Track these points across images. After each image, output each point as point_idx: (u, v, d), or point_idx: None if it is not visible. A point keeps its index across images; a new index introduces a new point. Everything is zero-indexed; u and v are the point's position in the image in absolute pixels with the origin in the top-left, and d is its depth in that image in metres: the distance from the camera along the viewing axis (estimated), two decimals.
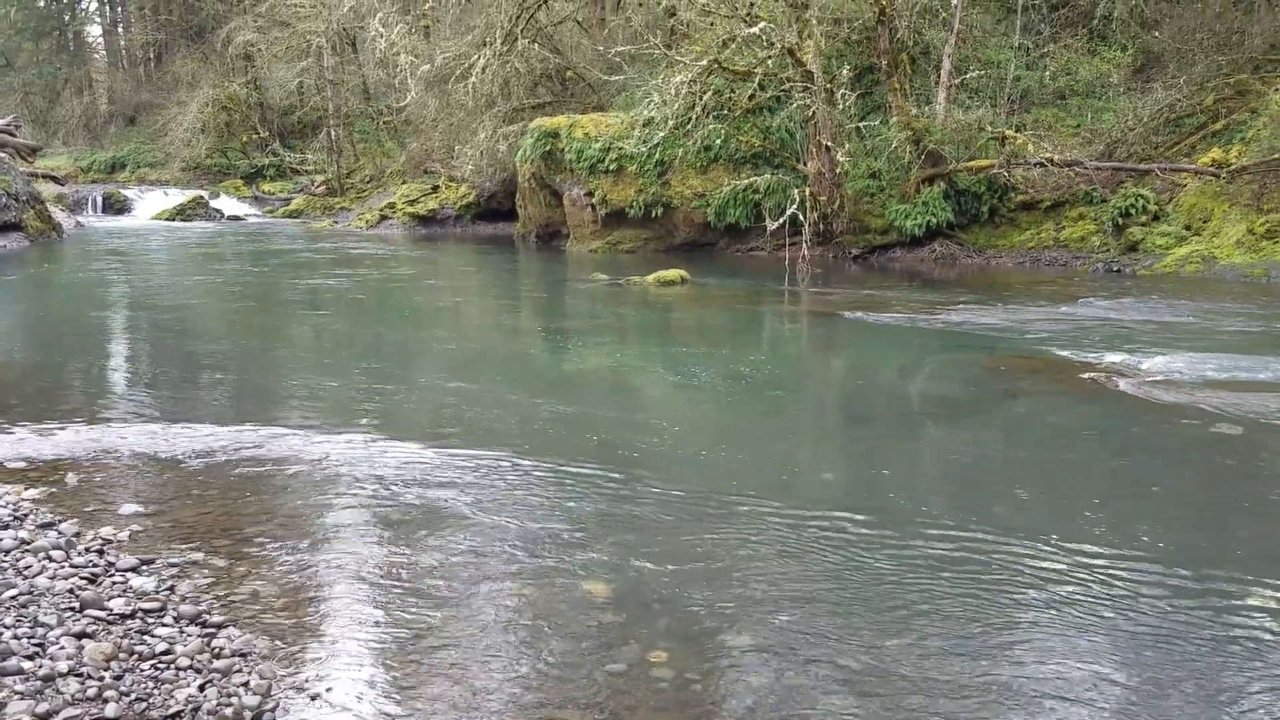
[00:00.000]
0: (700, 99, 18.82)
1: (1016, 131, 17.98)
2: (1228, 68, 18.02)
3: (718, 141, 19.15)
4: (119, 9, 48.10)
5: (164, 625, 4.08)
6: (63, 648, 3.77)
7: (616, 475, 6.10)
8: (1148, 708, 3.61)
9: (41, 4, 46.16)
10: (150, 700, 3.53)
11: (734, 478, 6.14)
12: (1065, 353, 9.77)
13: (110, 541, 4.95)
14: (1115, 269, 16.32)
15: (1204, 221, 16.41)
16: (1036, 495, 5.84)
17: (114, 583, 4.45)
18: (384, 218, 27.96)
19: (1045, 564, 4.80)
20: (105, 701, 3.48)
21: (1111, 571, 4.71)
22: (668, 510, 5.55)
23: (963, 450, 7.02)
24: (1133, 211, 16.81)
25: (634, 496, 5.74)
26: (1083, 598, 4.45)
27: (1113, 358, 9.39)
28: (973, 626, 4.20)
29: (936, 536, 5.12)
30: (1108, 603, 4.39)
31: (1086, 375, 8.79)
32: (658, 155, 19.47)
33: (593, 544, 5.05)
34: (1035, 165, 17.53)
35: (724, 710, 3.64)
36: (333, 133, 35.08)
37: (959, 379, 9.09)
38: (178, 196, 32.94)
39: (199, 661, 3.80)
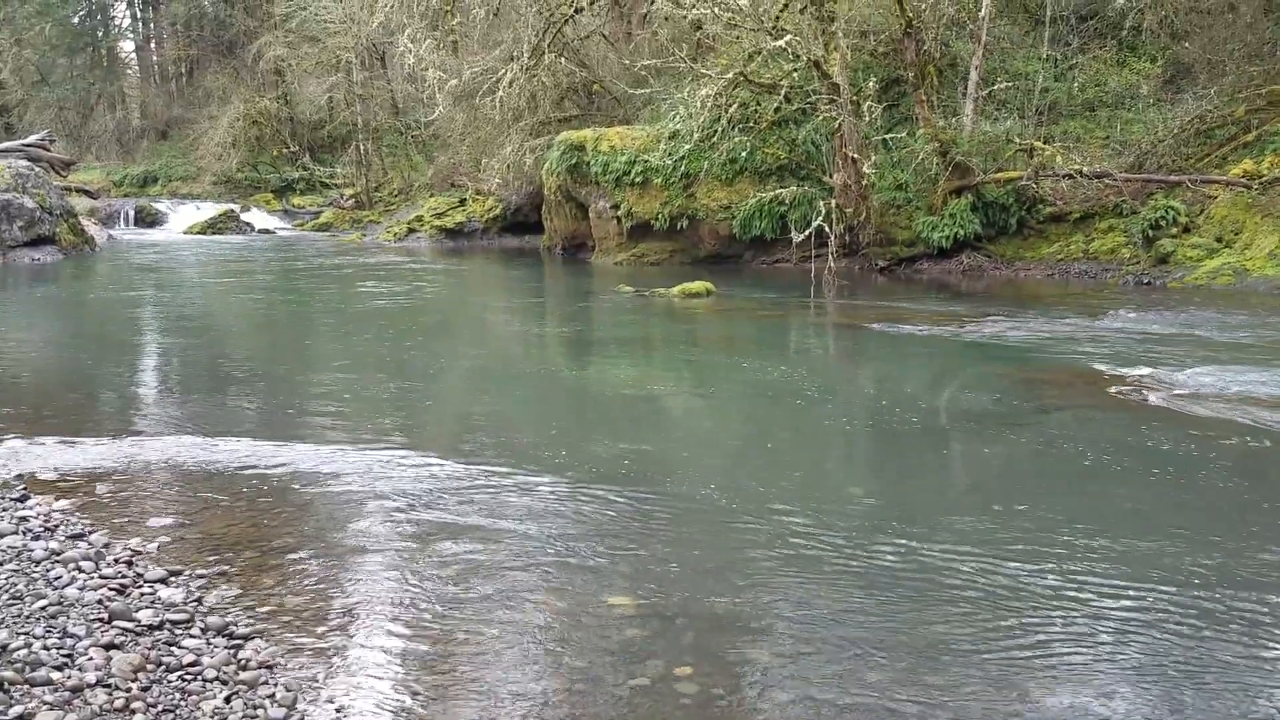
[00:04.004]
0: (726, 111, 18.83)
1: (1045, 143, 17.85)
2: (1259, 78, 17.82)
3: (743, 154, 19.15)
4: (152, 25, 48.76)
5: (191, 636, 4.10)
6: (91, 658, 3.80)
7: (642, 489, 6.09)
8: None
9: (76, 20, 46.85)
10: (177, 711, 3.54)
11: (760, 492, 6.11)
12: (1096, 366, 9.67)
13: (139, 553, 4.99)
14: (1145, 281, 16.15)
15: (1235, 233, 16.22)
16: (1068, 512, 5.77)
17: (142, 594, 4.48)
18: (412, 231, 28.14)
19: (1077, 582, 4.74)
20: (133, 712, 3.50)
21: (1143, 590, 4.64)
22: (693, 524, 5.53)
23: (993, 466, 6.96)
24: (1163, 223, 16.63)
25: (659, 510, 5.72)
26: (1115, 618, 4.38)
27: (1144, 371, 9.29)
28: (1004, 645, 4.15)
29: (966, 553, 5.07)
30: (1140, 623, 4.33)
31: (1118, 389, 8.70)
32: (683, 168, 19.48)
33: (617, 558, 5.03)
34: (1064, 177, 17.41)
35: None
36: (361, 147, 35.38)
37: (988, 392, 9.02)
38: (209, 210, 33.31)
39: (225, 673, 3.81)
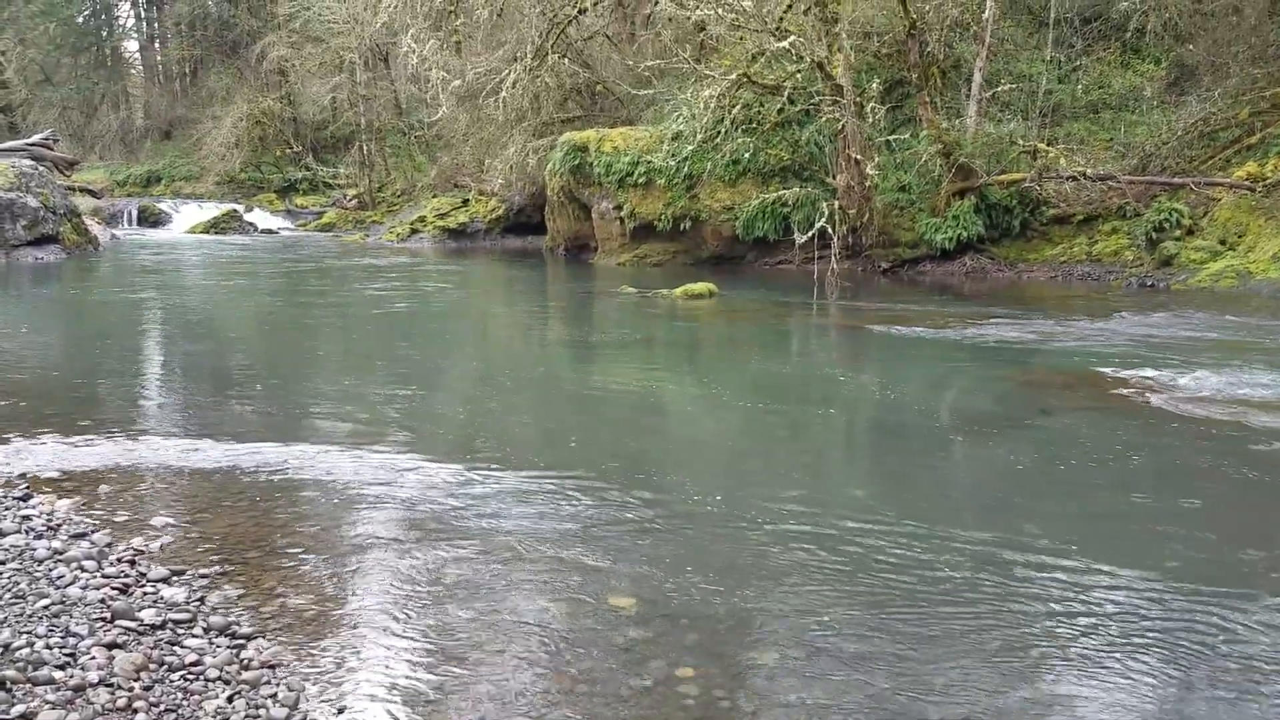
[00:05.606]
0: (729, 112, 18.84)
1: (1048, 145, 17.86)
2: (1263, 80, 17.81)
3: (746, 155, 19.15)
4: (156, 25, 48.83)
5: (194, 636, 4.10)
6: (94, 658, 3.80)
7: (644, 490, 6.08)
8: None
9: (80, 20, 46.91)
10: (179, 711, 3.54)
11: (762, 493, 6.11)
12: (1099, 368, 9.66)
13: (142, 552, 4.99)
14: (1149, 283, 16.14)
15: (1239, 236, 16.21)
16: (1071, 514, 5.77)
17: (145, 593, 4.48)
18: (414, 231, 28.16)
19: (1079, 585, 4.73)
20: (135, 712, 3.50)
21: (1146, 592, 4.63)
22: (695, 525, 5.53)
23: (996, 468, 6.95)
24: (1166, 226, 16.63)
25: (661, 512, 5.72)
26: (1118, 621, 4.38)
27: (1147, 373, 9.28)
28: (1007, 648, 4.14)
29: (969, 555, 5.07)
30: (1142, 625, 4.32)
31: (1121, 391, 8.69)
32: (686, 169, 19.49)
33: (619, 559, 5.03)
34: (1067, 179, 17.40)
35: None
36: (365, 147, 35.41)
37: (991, 394, 9.01)
38: (212, 210, 33.36)
39: (228, 673, 3.81)
